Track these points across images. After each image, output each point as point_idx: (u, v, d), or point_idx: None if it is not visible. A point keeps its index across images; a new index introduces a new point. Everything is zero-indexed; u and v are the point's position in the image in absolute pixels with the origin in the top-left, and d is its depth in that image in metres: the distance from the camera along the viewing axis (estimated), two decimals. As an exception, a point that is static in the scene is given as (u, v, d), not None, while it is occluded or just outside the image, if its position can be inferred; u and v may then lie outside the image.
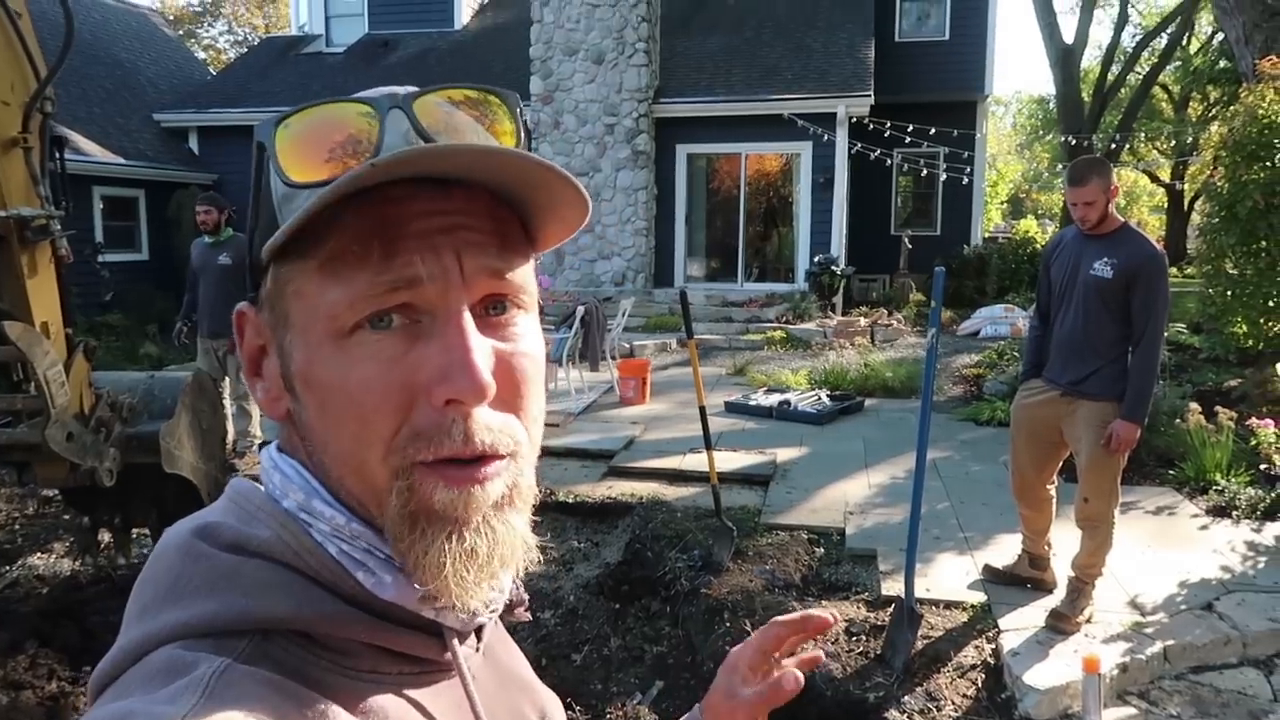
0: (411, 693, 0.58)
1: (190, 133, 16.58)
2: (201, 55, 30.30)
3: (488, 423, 0.56)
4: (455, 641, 0.61)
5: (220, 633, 0.53)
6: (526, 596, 0.69)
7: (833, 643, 3.92)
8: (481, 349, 0.55)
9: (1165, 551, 4.75)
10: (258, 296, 0.61)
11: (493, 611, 0.64)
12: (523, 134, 0.61)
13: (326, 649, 0.55)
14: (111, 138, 14.84)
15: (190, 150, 16.51)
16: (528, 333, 0.61)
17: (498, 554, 0.57)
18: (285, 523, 0.58)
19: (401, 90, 0.59)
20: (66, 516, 5.57)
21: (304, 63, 17.85)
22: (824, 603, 4.32)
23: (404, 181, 0.54)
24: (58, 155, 3.62)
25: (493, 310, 0.59)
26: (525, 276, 0.60)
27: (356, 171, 0.52)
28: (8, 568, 5.05)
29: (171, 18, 31.43)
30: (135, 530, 4.74)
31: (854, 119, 14.22)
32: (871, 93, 14.10)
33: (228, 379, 6.63)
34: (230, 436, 6.43)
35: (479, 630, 0.65)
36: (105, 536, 4.80)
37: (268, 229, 0.58)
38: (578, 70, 14.71)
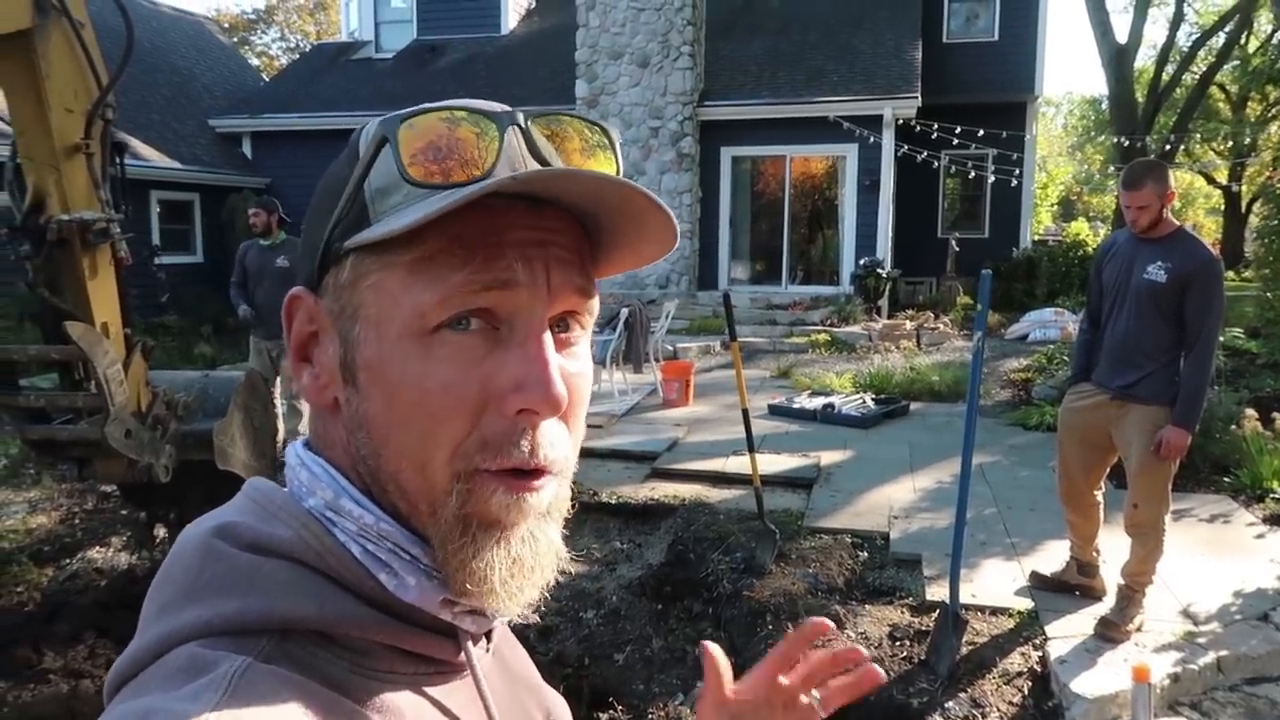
0: (427, 692, 0.59)
1: (244, 138, 16.94)
2: (255, 62, 30.92)
3: (551, 438, 0.58)
4: (469, 643, 0.62)
5: (240, 632, 0.53)
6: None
7: (876, 647, 3.89)
8: (556, 363, 0.57)
9: (1219, 560, 4.64)
10: (320, 283, 0.62)
11: (509, 616, 0.64)
12: (621, 162, 0.63)
13: (344, 649, 0.56)
14: (169, 143, 15.23)
15: (244, 155, 16.88)
16: (585, 353, 0.63)
17: (539, 563, 0.59)
18: (307, 522, 0.58)
19: (519, 110, 0.61)
20: (124, 511, 5.72)
21: (354, 68, 18.14)
22: (868, 607, 4.30)
23: (506, 195, 0.56)
24: (118, 160, 3.74)
25: (559, 327, 0.60)
26: (594, 298, 0.62)
27: (499, 180, 0.54)
28: (68, 561, 5.21)
29: (226, 25, 32.13)
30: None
31: (900, 121, 14.09)
32: (919, 94, 13.96)
33: (279, 379, 6.76)
34: (281, 435, 6.56)
35: (488, 631, 0.66)
36: (161, 531, 4.93)
37: (355, 220, 0.59)
38: (623, 74, 14.76)
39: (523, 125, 0.59)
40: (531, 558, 0.59)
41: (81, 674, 3.83)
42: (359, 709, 0.54)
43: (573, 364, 0.61)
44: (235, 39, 30.89)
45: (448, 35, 18.32)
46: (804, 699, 0.76)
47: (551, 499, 0.60)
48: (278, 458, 4.95)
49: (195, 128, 16.47)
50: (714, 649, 0.77)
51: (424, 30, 18.54)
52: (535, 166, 0.58)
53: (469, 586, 0.57)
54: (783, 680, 0.75)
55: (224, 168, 16.10)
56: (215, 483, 4.33)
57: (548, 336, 0.58)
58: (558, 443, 0.59)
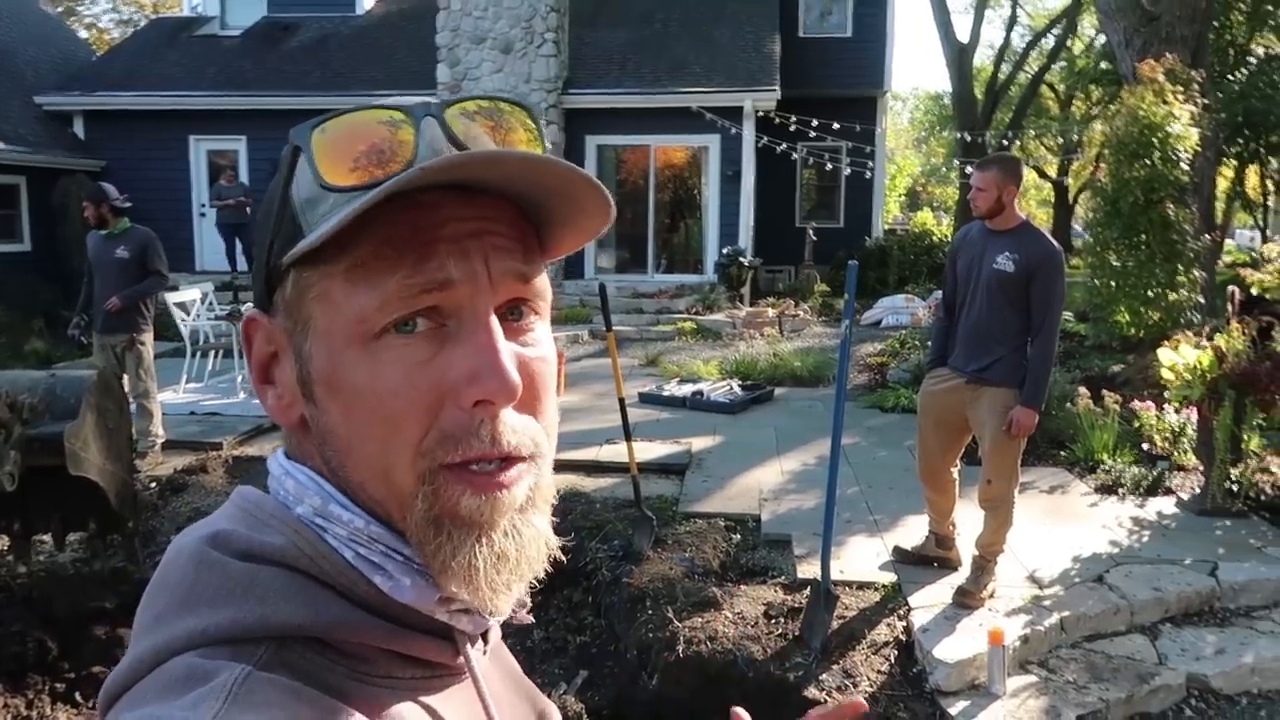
0: (425, 698, 0.59)
1: (75, 117, 15.77)
2: (84, 34, 28.80)
3: (512, 424, 0.57)
4: (467, 646, 0.61)
5: (238, 640, 0.53)
6: (528, 599, 0.67)
7: (752, 626, 4.03)
8: (508, 351, 0.57)
9: (1059, 528, 5.02)
10: (270, 302, 0.61)
11: (501, 615, 0.64)
12: (547, 144, 0.63)
13: (342, 655, 0.56)
14: (-12, 121, 14.06)
15: (75, 135, 15.72)
16: (544, 338, 0.62)
17: (525, 556, 0.58)
18: (299, 529, 0.58)
19: (432, 99, 0.60)
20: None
21: (198, 45, 17.13)
22: (743, 587, 4.43)
23: (433, 188, 0.55)
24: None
25: (512, 315, 0.60)
26: (543, 283, 0.62)
27: (408, 174, 0.52)
28: (-108, 578, 4.78)
29: (50, -5, 29.77)
30: (34, 536, 4.55)
31: (760, 113, 14.45)
32: (778, 87, 14.36)
33: (126, 376, 6.38)
34: (134, 436, 6.20)
35: (485, 633, 0.66)
36: (3, 542, 4.59)
37: (289, 234, 0.58)
38: (485, 59, 14.55)
39: (438, 115, 0.58)
40: (516, 551, 0.58)
41: (-82, 699, 3.54)
42: (359, 716, 0.53)
43: (530, 350, 0.60)
44: (60, 8, 28.69)
45: (300, 13, 17.51)
46: None
47: (529, 489, 0.59)
48: (133, 461, 4.69)
49: (19, 106, 15.22)
50: (744, 716, 0.80)
51: (274, 7, 17.66)
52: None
53: (453, 586, 0.57)
54: None
55: (53, 149, 14.96)
56: (65, 489, 4.07)
57: (496, 325, 0.57)
58: (521, 428, 0.58)
